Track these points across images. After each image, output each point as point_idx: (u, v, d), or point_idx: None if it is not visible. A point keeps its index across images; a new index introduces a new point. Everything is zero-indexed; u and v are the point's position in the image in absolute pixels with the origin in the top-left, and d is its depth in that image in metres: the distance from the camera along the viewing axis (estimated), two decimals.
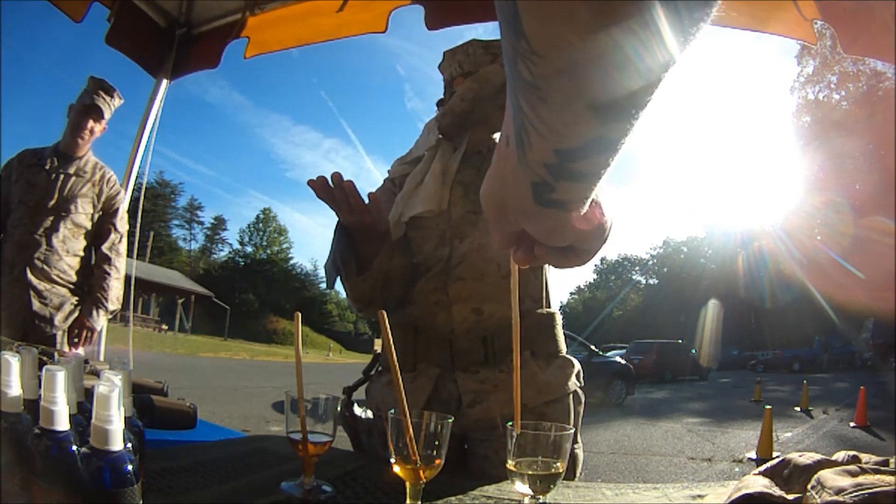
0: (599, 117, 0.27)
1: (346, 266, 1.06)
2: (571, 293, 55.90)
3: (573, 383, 1.11)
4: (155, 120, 2.41)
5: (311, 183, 0.95)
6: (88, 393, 0.63)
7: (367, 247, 1.06)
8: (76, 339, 2.09)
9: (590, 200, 0.35)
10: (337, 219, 1.04)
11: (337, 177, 0.95)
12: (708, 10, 0.24)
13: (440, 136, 1.20)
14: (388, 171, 1.31)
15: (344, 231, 1.06)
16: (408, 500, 0.66)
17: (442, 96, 1.29)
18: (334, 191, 0.96)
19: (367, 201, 0.98)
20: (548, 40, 0.25)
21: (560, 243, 0.39)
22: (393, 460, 0.64)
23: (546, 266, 1.16)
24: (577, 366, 1.14)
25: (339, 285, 1.11)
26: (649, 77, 0.26)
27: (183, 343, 22.77)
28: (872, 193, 17.94)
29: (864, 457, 0.68)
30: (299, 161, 75.01)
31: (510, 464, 0.63)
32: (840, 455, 0.69)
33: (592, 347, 10.04)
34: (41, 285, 2.03)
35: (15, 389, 0.52)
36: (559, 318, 1.16)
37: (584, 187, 0.33)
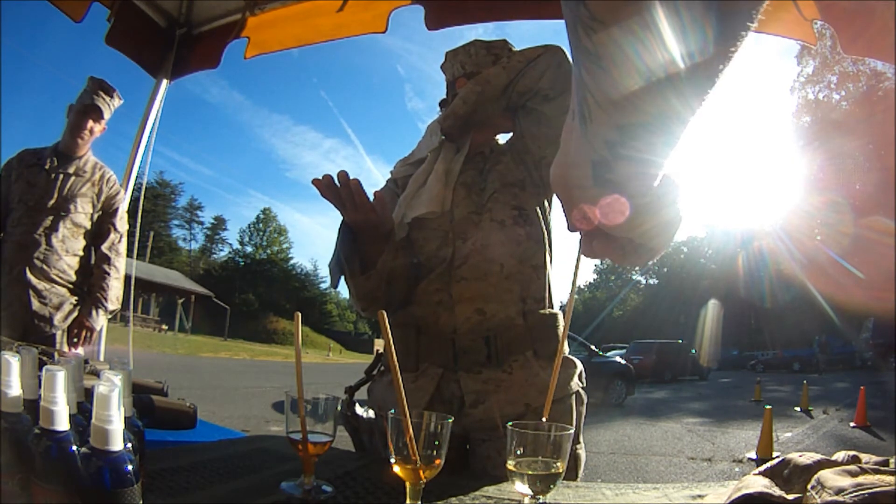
0: (661, 90, 0.26)
1: (351, 265, 1.06)
2: None
3: (575, 383, 1.11)
4: (155, 120, 2.41)
5: (315, 182, 0.95)
6: (88, 393, 0.63)
7: (372, 246, 1.06)
8: (76, 339, 2.09)
9: (651, 189, 0.33)
10: (341, 218, 1.04)
11: (343, 175, 0.95)
12: None
13: (443, 137, 1.20)
14: (391, 172, 1.31)
15: (348, 230, 1.06)
16: (408, 500, 0.66)
17: (444, 97, 1.29)
18: (340, 189, 0.96)
19: (372, 200, 0.98)
20: (608, 5, 0.24)
21: (614, 231, 0.37)
22: (393, 460, 0.64)
23: (548, 266, 1.16)
24: (580, 366, 1.14)
25: (342, 285, 1.11)
26: (714, 48, 0.24)
27: (183, 343, 22.77)
28: (872, 193, 17.94)
29: (864, 457, 0.68)
30: (299, 161, 75.11)
31: (510, 464, 0.63)
32: (840, 455, 0.69)
33: (592, 347, 10.04)
34: (41, 285, 2.03)
35: (15, 389, 0.52)
36: (561, 319, 1.16)
37: (643, 171, 0.32)
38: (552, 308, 1.16)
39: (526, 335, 1.09)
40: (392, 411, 0.64)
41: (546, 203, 1.19)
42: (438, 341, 1.09)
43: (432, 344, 1.10)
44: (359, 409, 1.16)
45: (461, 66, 1.22)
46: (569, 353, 1.15)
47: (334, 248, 1.09)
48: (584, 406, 1.13)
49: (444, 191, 1.13)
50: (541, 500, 0.63)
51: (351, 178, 0.96)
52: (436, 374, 1.08)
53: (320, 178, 0.96)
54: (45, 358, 0.89)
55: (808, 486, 0.62)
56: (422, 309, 1.12)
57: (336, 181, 0.96)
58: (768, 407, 5.10)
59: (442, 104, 1.29)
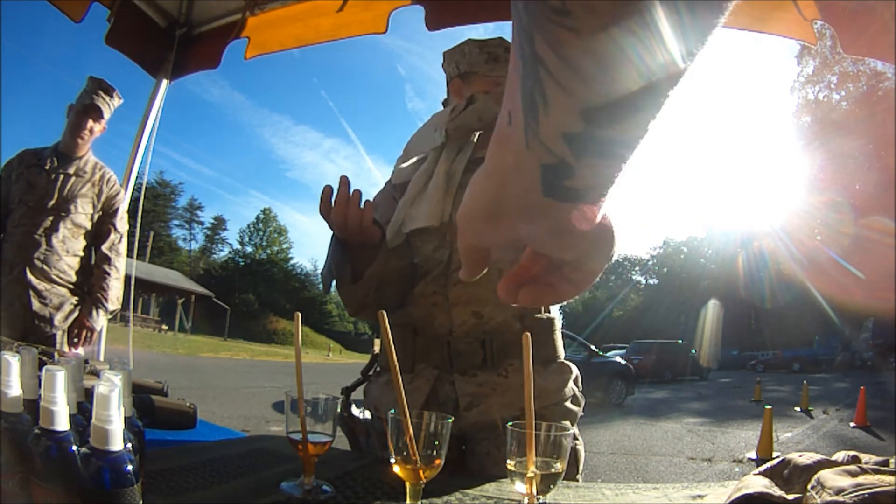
0: (646, 53, 0.22)
1: (341, 273, 1.06)
2: None
3: (570, 388, 1.11)
4: (155, 120, 2.41)
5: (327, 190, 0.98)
6: (88, 393, 0.63)
7: (361, 254, 1.07)
8: (76, 339, 2.09)
9: (608, 192, 0.27)
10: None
11: (343, 182, 0.97)
12: None
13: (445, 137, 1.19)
14: (392, 174, 1.30)
15: (339, 239, 1.06)
16: (408, 500, 0.66)
17: (445, 96, 1.29)
18: (330, 207, 0.98)
19: (363, 218, 0.99)
20: None
21: (567, 252, 0.31)
22: (393, 460, 0.64)
23: None
24: (575, 371, 1.14)
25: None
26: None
27: (183, 343, 22.75)
28: (872, 193, 17.94)
29: (864, 457, 0.68)
30: (299, 161, 75.17)
31: (510, 464, 0.63)
32: (840, 455, 0.69)
33: (592, 347, 10.04)
34: (41, 285, 2.03)
35: (15, 389, 0.52)
36: (558, 323, 1.16)
37: (611, 166, 0.26)
38: (549, 312, 1.16)
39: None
40: (392, 411, 0.64)
41: None
42: (434, 343, 1.09)
43: (428, 345, 1.10)
44: (355, 411, 1.16)
45: (455, 66, 1.22)
46: (566, 355, 1.15)
47: (326, 255, 1.09)
48: (581, 406, 1.12)
49: (444, 199, 1.11)
50: (541, 500, 0.63)
51: (348, 182, 0.97)
52: (431, 376, 1.08)
53: (331, 187, 0.98)
54: (45, 358, 0.89)
55: (808, 486, 0.62)
56: (418, 310, 1.12)
57: (335, 192, 0.97)
58: (768, 407, 5.11)
59: (444, 103, 1.29)
